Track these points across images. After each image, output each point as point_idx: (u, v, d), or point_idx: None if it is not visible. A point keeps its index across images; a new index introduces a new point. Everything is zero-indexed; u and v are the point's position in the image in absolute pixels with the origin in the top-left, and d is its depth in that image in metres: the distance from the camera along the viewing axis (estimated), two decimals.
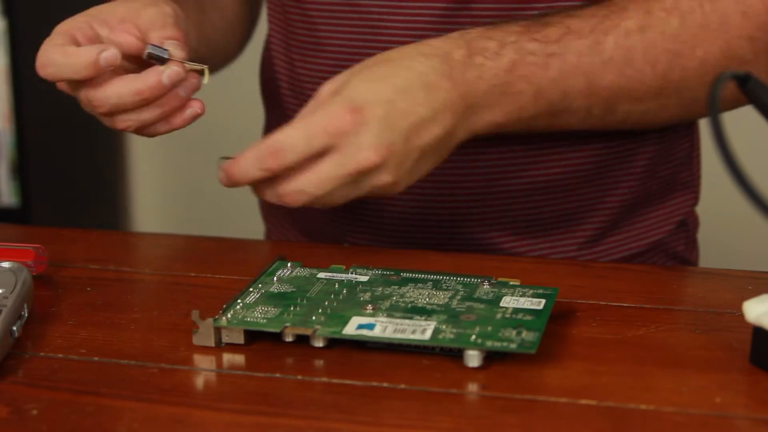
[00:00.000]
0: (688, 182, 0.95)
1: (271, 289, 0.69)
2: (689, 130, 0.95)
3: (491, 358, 0.62)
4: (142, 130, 0.77)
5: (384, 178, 0.72)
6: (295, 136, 0.70)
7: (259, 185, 0.72)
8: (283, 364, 0.62)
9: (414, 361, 0.62)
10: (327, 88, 0.73)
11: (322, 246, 0.85)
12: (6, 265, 0.69)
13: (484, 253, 0.87)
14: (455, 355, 0.62)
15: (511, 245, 0.89)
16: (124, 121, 0.76)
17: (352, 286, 0.70)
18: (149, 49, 0.75)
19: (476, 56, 0.75)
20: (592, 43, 0.76)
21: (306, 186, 0.71)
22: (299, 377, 0.61)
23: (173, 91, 0.75)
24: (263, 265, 0.74)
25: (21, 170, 1.89)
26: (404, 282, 0.70)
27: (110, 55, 0.73)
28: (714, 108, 0.56)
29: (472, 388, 0.59)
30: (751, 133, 1.16)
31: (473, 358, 0.61)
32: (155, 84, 0.74)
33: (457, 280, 0.70)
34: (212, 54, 0.95)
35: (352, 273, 0.72)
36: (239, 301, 0.67)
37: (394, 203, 0.88)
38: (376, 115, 0.71)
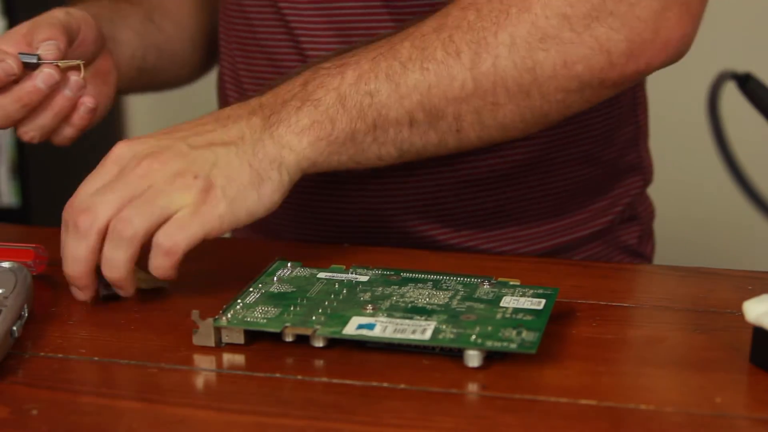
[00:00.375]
0: (636, 164, 0.95)
1: (271, 289, 0.69)
2: (633, 112, 0.95)
3: (491, 358, 0.62)
4: (49, 137, 0.80)
5: (171, 165, 0.70)
6: (84, 183, 0.72)
7: None
8: (283, 364, 0.62)
9: (414, 361, 0.62)
10: None
11: (322, 246, 0.85)
12: (6, 265, 0.69)
13: (420, 247, 0.87)
14: (455, 355, 0.62)
15: (448, 237, 0.89)
16: (26, 133, 0.80)
17: (352, 286, 0.70)
18: (20, 58, 0.77)
19: (269, 87, 0.76)
20: (386, 50, 0.76)
21: (87, 200, 0.71)
22: (299, 377, 0.61)
23: (60, 93, 0.79)
24: (263, 265, 0.74)
25: (21, 170, 1.89)
26: (404, 282, 0.70)
27: (7, 66, 0.76)
28: (714, 108, 0.56)
29: (472, 388, 0.59)
30: (751, 134, 1.16)
31: (473, 358, 0.61)
32: (32, 89, 0.77)
33: (457, 280, 0.70)
34: (166, 62, 0.97)
35: (352, 273, 0.72)
36: (239, 301, 0.67)
37: (335, 199, 0.89)
38: (154, 135, 0.73)
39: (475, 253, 0.90)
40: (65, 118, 0.80)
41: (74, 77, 0.79)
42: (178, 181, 0.69)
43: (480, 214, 0.89)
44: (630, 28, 0.75)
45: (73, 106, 0.80)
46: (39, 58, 0.77)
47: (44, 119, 0.79)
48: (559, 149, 0.88)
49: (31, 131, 0.79)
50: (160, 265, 0.69)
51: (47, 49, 0.77)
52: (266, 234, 0.95)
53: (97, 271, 0.75)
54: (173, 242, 0.68)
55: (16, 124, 0.79)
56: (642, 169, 0.96)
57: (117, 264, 0.69)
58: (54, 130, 0.80)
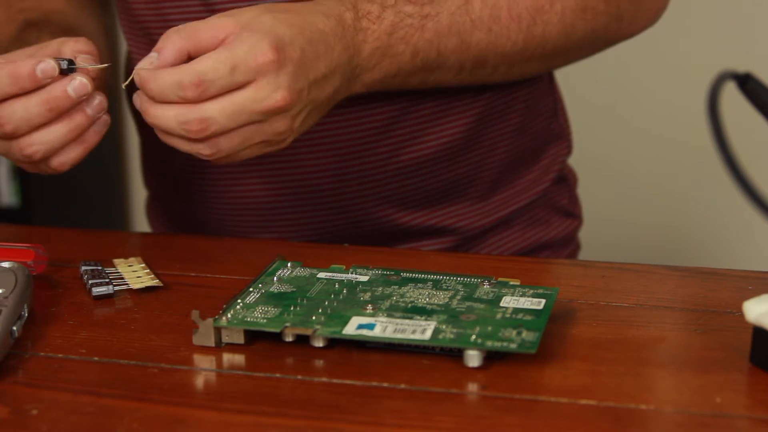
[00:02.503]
0: (558, 133, 1.01)
1: (271, 289, 0.69)
2: (551, 85, 1.01)
3: (491, 358, 0.62)
4: (51, 155, 0.75)
5: (285, 124, 0.72)
6: (219, 69, 0.69)
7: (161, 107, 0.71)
8: (283, 364, 0.62)
9: (414, 361, 0.62)
10: (234, 19, 0.72)
11: (323, 246, 0.85)
12: (6, 265, 0.69)
13: (381, 229, 0.90)
14: (455, 355, 0.62)
15: (406, 219, 0.92)
16: (30, 145, 0.74)
17: (352, 286, 0.70)
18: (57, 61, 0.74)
19: (362, 19, 0.77)
20: (462, 3, 0.82)
21: (216, 114, 0.69)
22: (299, 377, 0.61)
23: (81, 108, 0.74)
24: (263, 265, 0.74)
25: (21, 170, 1.89)
26: (404, 282, 0.70)
27: (48, 66, 0.73)
28: (714, 108, 0.56)
29: (473, 388, 0.59)
30: (751, 133, 1.16)
31: (473, 358, 0.61)
32: (61, 94, 0.73)
33: (457, 280, 0.70)
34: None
35: (352, 273, 0.72)
36: (239, 300, 0.67)
37: (289, 192, 0.90)
38: (293, 57, 0.71)
39: (444, 235, 0.93)
40: (77, 137, 0.75)
41: (99, 97, 0.75)
42: (282, 128, 0.72)
43: (433, 192, 0.92)
44: None
45: (89, 126, 0.75)
46: (72, 63, 0.74)
47: (56, 133, 0.74)
48: (493, 123, 0.93)
49: (36, 144, 0.74)
50: (183, 145, 0.72)
51: (84, 61, 0.74)
52: (220, 234, 0.95)
53: (88, 272, 0.75)
54: (214, 152, 0.72)
55: (33, 130, 0.74)
56: (565, 137, 1.03)
57: (174, 142, 0.72)
58: (60, 149, 0.75)
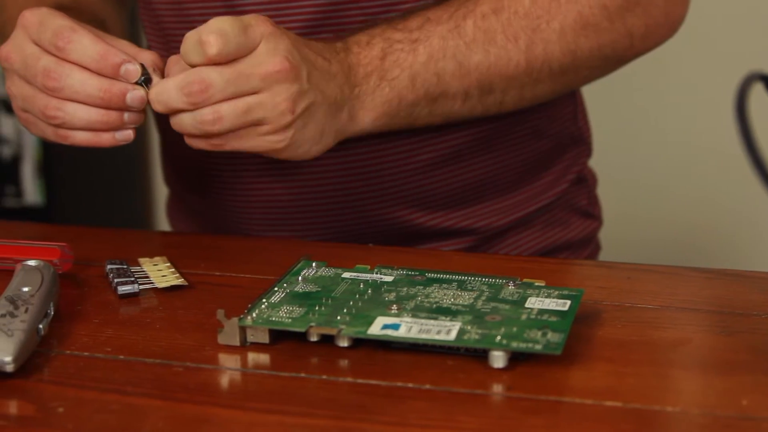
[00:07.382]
0: (577, 137, 1.01)
1: (296, 289, 0.69)
2: (571, 92, 1.01)
3: (516, 358, 0.62)
4: (62, 127, 0.76)
5: (285, 99, 0.73)
6: (223, 34, 0.71)
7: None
8: (308, 363, 0.62)
9: (439, 361, 0.62)
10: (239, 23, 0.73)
11: (347, 246, 0.85)
12: (32, 263, 0.69)
13: (397, 232, 0.90)
14: (480, 355, 0.62)
15: (424, 219, 0.92)
16: (57, 110, 0.75)
17: (376, 286, 0.70)
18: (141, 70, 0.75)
19: (353, 46, 0.80)
20: (452, 27, 0.82)
21: (215, 76, 0.71)
22: (324, 377, 0.61)
23: (121, 112, 0.75)
24: (288, 265, 0.74)
25: (46, 169, 1.90)
26: (429, 282, 0.70)
27: (133, 70, 0.75)
28: (742, 109, 0.56)
29: (497, 388, 0.59)
30: None
31: (498, 359, 0.61)
32: (119, 94, 0.74)
33: (482, 280, 0.70)
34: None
35: (376, 273, 0.72)
36: (264, 300, 0.67)
37: (307, 191, 0.90)
38: (291, 36, 0.75)
39: (463, 235, 0.93)
40: (98, 130, 0.76)
41: (141, 112, 0.76)
42: (282, 105, 0.73)
43: (451, 193, 0.92)
44: (648, 14, 0.87)
45: (115, 129, 0.76)
46: (149, 80, 0.75)
47: (86, 114, 0.75)
48: (511, 126, 0.93)
49: (61, 112, 0.75)
50: (196, 143, 0.75)
51: (155, 74, 0.76)
52: (239, 232, 0.95)
53: (113, 270, 0.75)
54: (216, 119, 0.73)
55: (62, 99, 0.75)
56: (584, 141, 1.03)
57: (182, 127, 0.74)
58: (78, 127, 0.76)
